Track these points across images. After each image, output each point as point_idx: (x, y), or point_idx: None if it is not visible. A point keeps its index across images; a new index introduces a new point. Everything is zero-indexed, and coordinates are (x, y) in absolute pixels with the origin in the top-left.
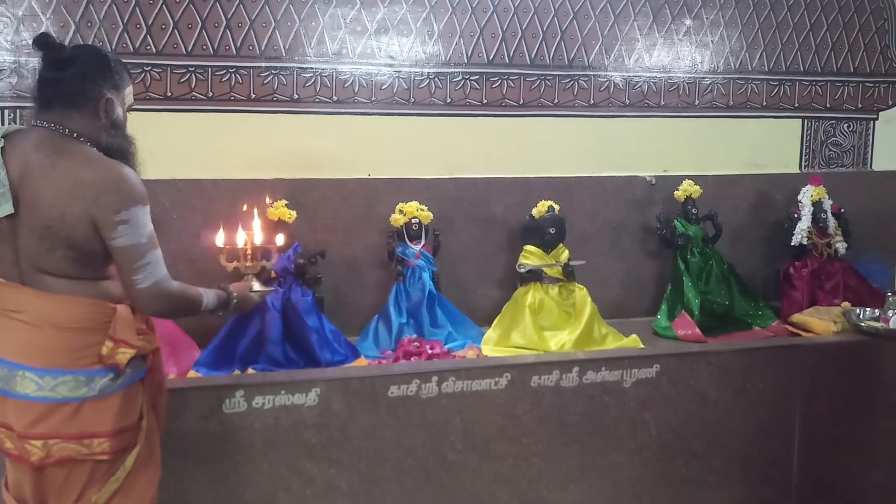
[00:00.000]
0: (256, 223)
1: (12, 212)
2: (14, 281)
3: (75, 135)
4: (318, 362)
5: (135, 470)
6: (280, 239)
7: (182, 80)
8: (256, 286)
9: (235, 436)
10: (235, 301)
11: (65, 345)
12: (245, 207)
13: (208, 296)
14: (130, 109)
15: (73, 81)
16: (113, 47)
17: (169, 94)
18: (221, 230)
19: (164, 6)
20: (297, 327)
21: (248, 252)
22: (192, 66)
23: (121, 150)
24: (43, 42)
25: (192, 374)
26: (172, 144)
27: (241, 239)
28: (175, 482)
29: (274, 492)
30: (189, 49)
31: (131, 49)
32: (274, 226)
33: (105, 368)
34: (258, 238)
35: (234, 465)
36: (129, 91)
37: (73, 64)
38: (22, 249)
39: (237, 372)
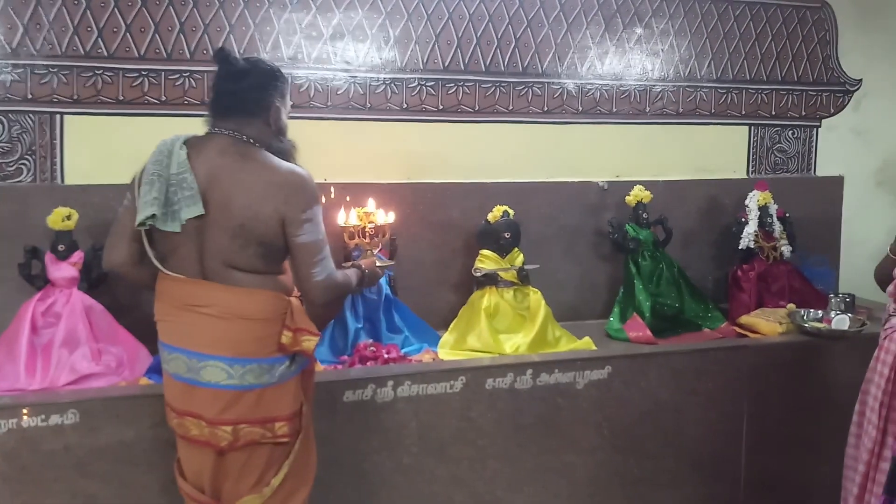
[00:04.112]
0: (371, 203)
1: (202, 212)
2: (196, 277)
3: (252, 140)
4: None
5: (301, 453)
6: (391, 217)
7: (134, 84)
8: (378, 262)
9: None
10: (367, 275)
11: (251, 335)
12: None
13: (352, 276)
14: (289, 116)
15: (249, 92)
16: (63, 50)
17: (121, 97)
18: (343, 210)
19: (115, 9)
20: None
21: (368, 230)
22: (144, 69)
23: (287, 154)
24: (222, 56)
25: (144, 380)
26: (126, 149)
27: (356, 218)
28: (126, 491)
29: None
30: (142, 53)
31: (82, 52)
32: None
33: (283, 356)
34: (379, 217)
35: None
36: (288, 98)
37: (248, 76)
38: (210, 247)
39: None
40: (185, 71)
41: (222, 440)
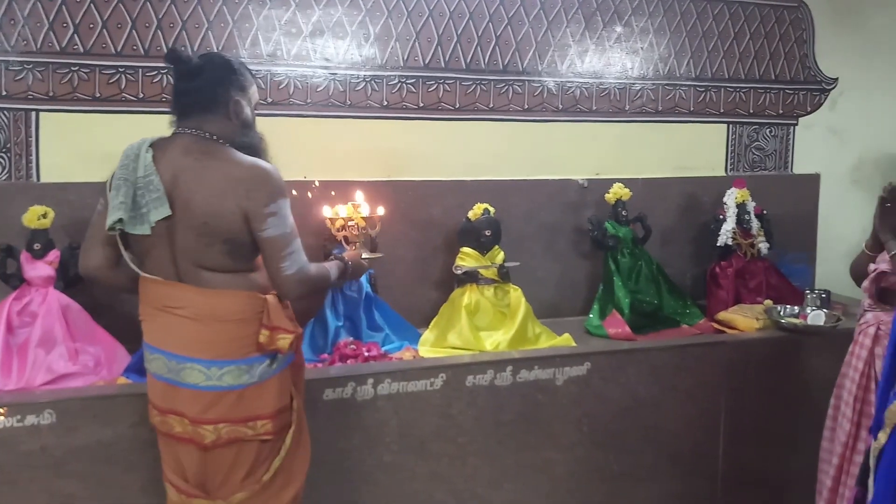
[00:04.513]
0: (359, 195)
1: (169, 213)
2: (172, 279)
3: (215, 137)
4: None
5: (292, 448)
6: (381, 210)
7: (111, 81)
8: (365, 254)
9: None
10: (350, 268)
11: (226, 336)
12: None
13: (332, 269)
14: (256, 108)
15: (204, 89)
16: (38, 46)
17: (98, 94)
18: (327, 206)
19: (91, 5)
20: None
21: (356, 222)
22: (121, 66)
23: (254, 148)
24: (173, 57)
25: (121, 380)
26: (103, 146)
27: (345, 210)
28: (105, 491)
29: None
30: (118, 49)
31: (58, 48)
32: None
33: (262, 356)
34: (364, 209)
35: None
36: (253, 90)
37: (202, 73)
38: (180, 248)
39: None
40: (163, 68)
41: (205, 438)
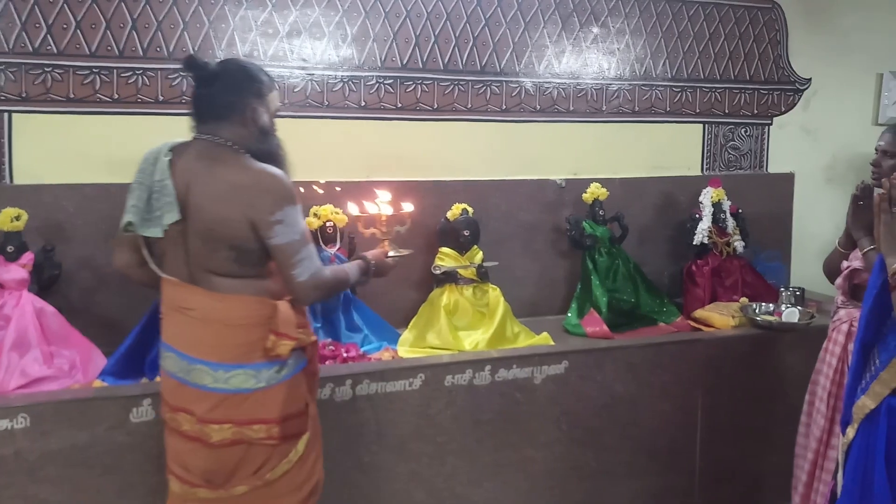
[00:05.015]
0: (385, 193)
1: (178, 218)
2: (186, 281)
3: (230, 143)
4: None
5: (305, 453)
6: (409, 206)
7: (86, 82)
8: (392, 252)
9: (144, 445)
10: (374, 267)
11: (233, 341)
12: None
13: (352, 270)
14: (276, 114)
15: (221, 95)
16: (10, 47)
17: (72, 95)
18: (352, 203)
19: (65, 5)
20: None
21: (383, 218)
22: (96, 67)
23: (271, 155)
24: (190, 63)
25: (97, 383)
26: (77, 148)
27: (373, 207)
28: (81, 496)
29: None
30: (93, 50)
31: (30, 49)
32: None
33: (270, 361)
34: (388, 206)
35: (142, 475)
36: (273, 96)
37: (218, 79)
38: (190, 252)
39: (145, 380)
40: (138, 69)
41: (212, 437)
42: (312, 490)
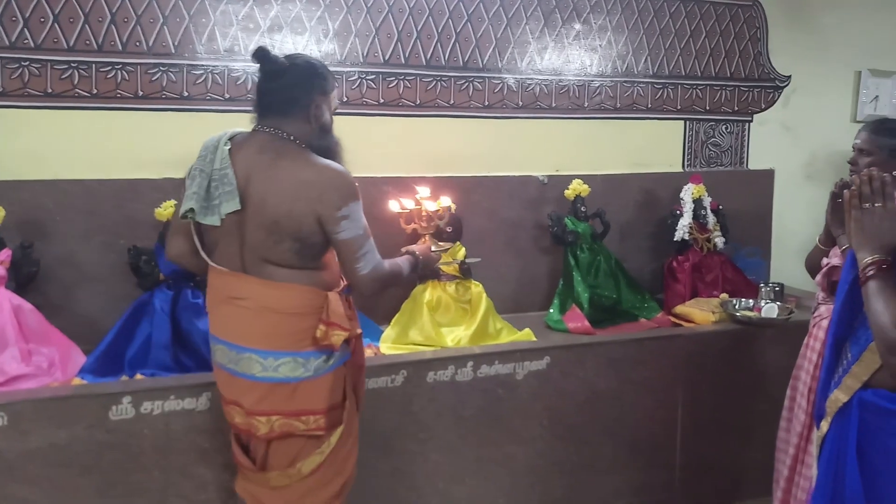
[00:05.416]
0: (424, 189)
1: (239, 207)
2: (238, 271)
3: (292, 138)
4: (210, 367)
5: (338, 446)
6: (446, 201)
7: (64, 77)
8: (434, 246)
9: (124, 444)
10: (421, 262)
11: (284, 329)
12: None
13: (404, 264)
14: (335, 112)
15: (287, 90)
16: None
17: (49, 90)
18: (393, 200)
19: None
20: (188, 331)
21: (424, 214)
22: (74, 61)
23: (330, 151)
24: (261, 55)
25: (76, 381)
26: (55, 144)
27: (412, 203)
28: (60, 495)
29: (166, 498)
30: (71, 44)
31: (7, 43)
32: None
33: (319, 351)
34: (430, 202)
35: (122, 473)
36: (334, 95)
37: (286, 74)
38: (248, 242)
39: (125, 378)
40: (118, 63)
41: (259, 429)
42: (343, 487)
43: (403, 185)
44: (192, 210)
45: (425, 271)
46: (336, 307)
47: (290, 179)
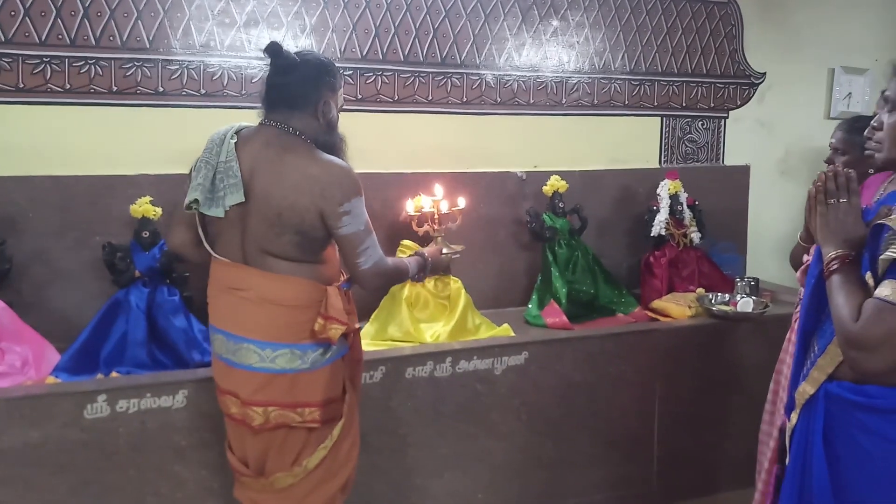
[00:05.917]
0: (439, 190)
1: (243, 200)
2: (239, 262)
3: (298, 133)
4: (187, 364)
5: (340, 439)
6: (462, 202)
7: (36, 72)
8: (445, 248)
9: (99, 442)
10: (430, 264)
11: (283, 320)
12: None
13: (411, 264)
14: (341, 109)
15: (297, 86)
16: None
17: (21, 85)
18: (410, 200)
19: None
20: (164, 328)
21: (437, 216)
22: (46, 56)
23: (335, 148)
24: (273, 50)
25: (50, 379)
26: (27, 139)
27: (427, 204)
28: (33, 495)
29: (142, 496)
30: (43, 38)
31: None
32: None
33: (316, 343)
34: (444, 204)
35: (97, 472)
36: (341, 92)
37: (296, 70)
38: (250, 234)
39: (100, 376)
40: (91, 58)
41: (254, 420)
42: (347, 480)
43: (381, 181)
44: (196, 201)
45: (433, 273)
46: (335, 301)
47: (295, 174)
